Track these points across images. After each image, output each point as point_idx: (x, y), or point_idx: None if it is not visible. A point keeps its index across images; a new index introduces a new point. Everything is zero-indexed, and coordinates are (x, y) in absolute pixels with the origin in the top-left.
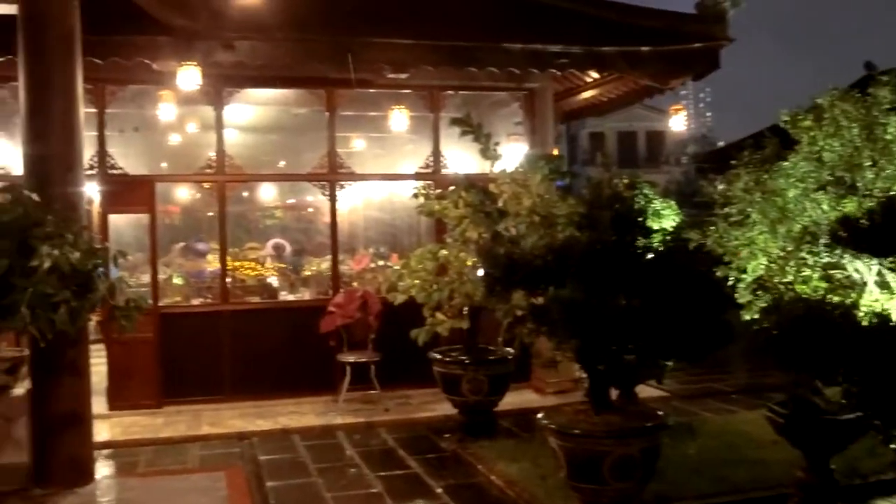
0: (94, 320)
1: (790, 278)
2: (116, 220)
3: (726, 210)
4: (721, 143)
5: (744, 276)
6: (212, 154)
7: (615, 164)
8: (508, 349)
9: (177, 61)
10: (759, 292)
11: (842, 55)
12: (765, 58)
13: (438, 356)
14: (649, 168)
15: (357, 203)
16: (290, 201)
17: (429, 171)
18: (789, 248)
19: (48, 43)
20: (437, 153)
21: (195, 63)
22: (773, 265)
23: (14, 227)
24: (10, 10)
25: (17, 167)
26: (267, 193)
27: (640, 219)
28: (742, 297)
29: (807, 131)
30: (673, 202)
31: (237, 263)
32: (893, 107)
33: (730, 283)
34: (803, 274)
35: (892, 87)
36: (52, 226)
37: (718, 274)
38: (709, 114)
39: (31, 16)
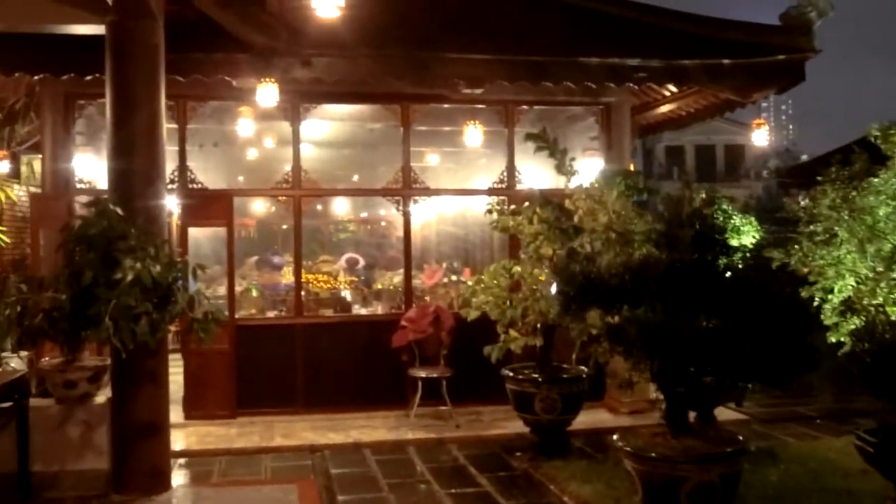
0: (172, 331)
1: (881, 300)
2: (195, 233)
3: (811, 228)
4: (804, 157)
5: (830, 296)
6: (288, 168)
7: (693, 179)
8: (582, 367)
9: (256, 78)
10: (846, 314)
11: None
12: (850, 67)
13: (511, 373)
14: (728, 183)
15: (430, 217)
16: (364, 215)
17: (503, 186)
18: (880, 269)
19: (134, 62)
20: (511, 168)
21: (273, 80)
22: (862, 286)
23: (99, 239)
24: (98, 30)
25: (101, 181)
26: (341, 207)
27: (721, 237)
28: (828, 318)
29: None
30: (753, 218)
31: (311, 276)
32: None
33: (815, 303)
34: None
35: None
36: (135, 239)
37: (803, 294)
38: (791, 126)
39: (118, 36)
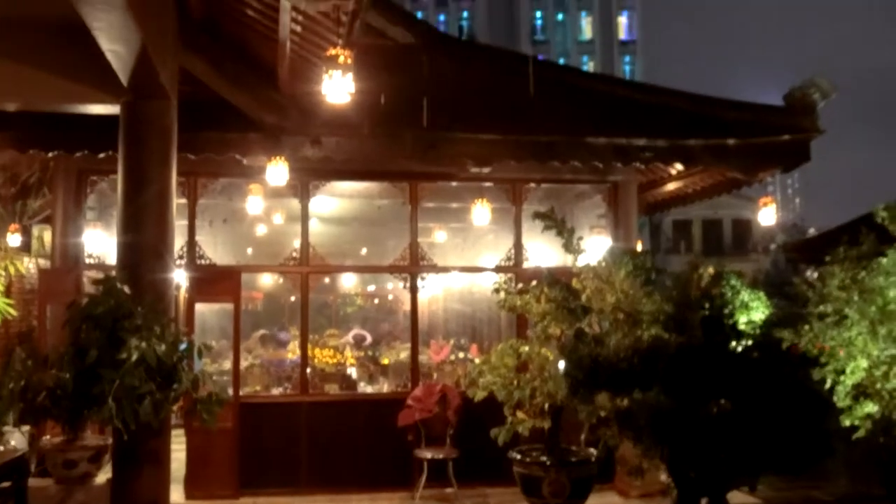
0: (175, 408)
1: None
2: (202, 306)
3: (821, 308)
4: (812, 231)
5: (842, 378)
6: (296, 244)
7: (700, 253)
8: (591, 450)
9: (266, 156)
10: (860, 398)
11: None
12: (854, 142)
13: (518, 456)
14: (736, 257)
15: (437, 293)
16: (371, 288)
17: (510, 263)
18: (893, 352)
19: (147, 140)
20: (518, 246)
21: (283, 158)
22: (875, 370)
23: (106, 318)
24: (112, 109)
25: (111, 256)
26: (348, 281)
27: (731, 321)
28: (841, 401)
29: None
30: (762, 294)
31: (317, 351)
32: None
33: (827, 385)
34: None
35: None
36: (142, 317)
37: (815, 376)
38: (797, 200)
39: (131, 116)
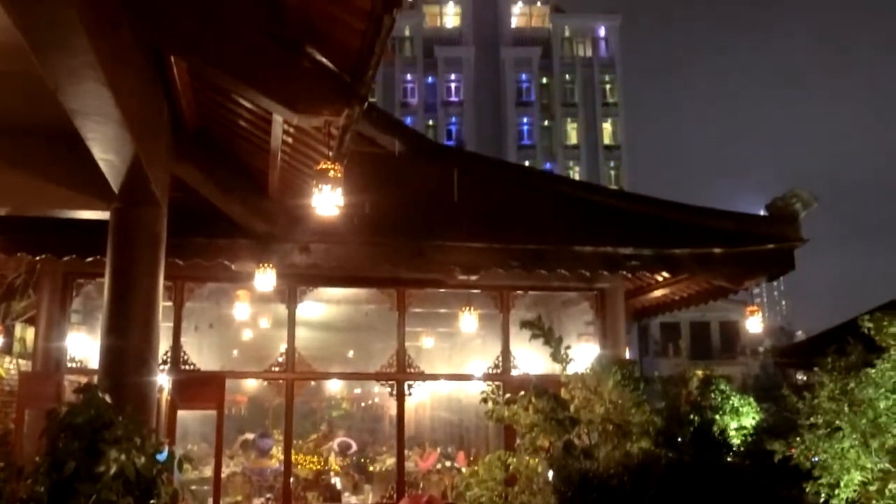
0: None
1: (892, 502)
2: (184, 411)
3: (812, 420)
4: (799, 334)
5: (836, 492)
6: (282, 349)
7: (688, 356)
8: None
9: (254, 263)
10: None
11: None
12: (836, 247)
13: None
14: (725, 360)
15: (424, 398)
16: (357, 391)
17: (498, 371)
18: (886, 466)
19: (135, 246)
20: (506, 353)
21: (272, 265)
22: (869, 486)
23: (85, 428)
24: (102, 215)
25: (93, 360)
26: (334, 384)
27: (721, 437)
28: None
29: (893, 338)
30: (751, 399)
31: (300, 456)
32: None
33: (821, 500)
34: None
35: None
36: (122, 428)
37: (808, 489)
38: (784, 302)
39: (121, 223)
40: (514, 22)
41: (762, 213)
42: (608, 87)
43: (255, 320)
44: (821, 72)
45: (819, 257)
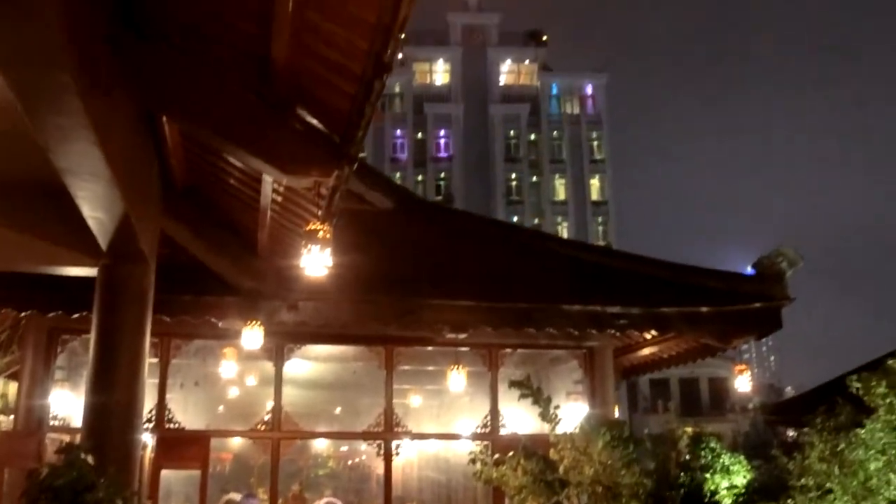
0: None
1: None
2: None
3: (803, 481)
4: (789, 389)
5: None
6: (269, 406)
7: (678, 412)
8: None
9: (242, 320)
10: None
11: None
12: (825, 299)
13: None
14: (714, 417)
15: (412, 457)
16: (343, 449)
17: (486, 430)
18: None
19: (122, 303)
20: (494, 412)
21: (259, 323)
22: None
23: (66, 491)
24: (89, 271)
25: (77, 418)
26: (320, 442)
27: (713, 499)
28: None
29: (882, 398)
30: (742, 457)
31: None
32: None
33: None
34: None
35: None
36: (104, 490)
37: None
38: (772, 357)
39: (108, 279)
40: (503, 80)
41: (749, 269)
42: (595, 143)
43: (241, 378)
44: (810, 124)
45: (807, 312)
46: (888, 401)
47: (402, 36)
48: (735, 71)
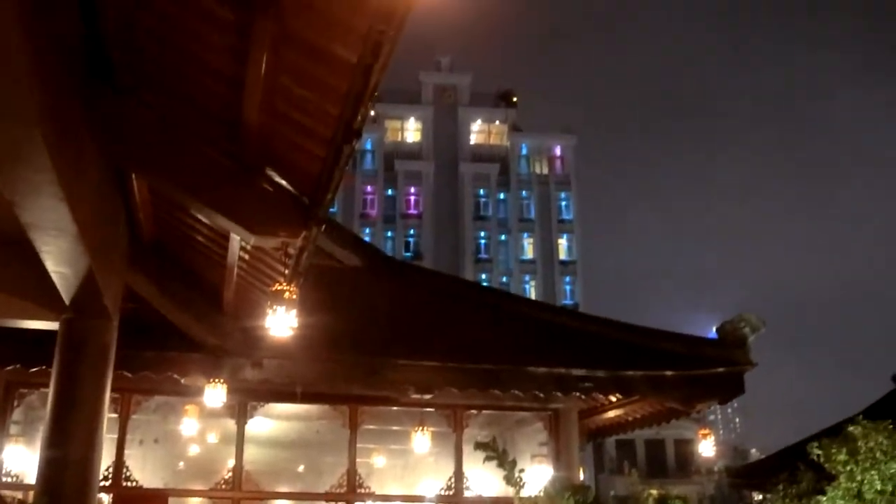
0: None
1: None
2: None
3: None
4: (753, 451)
5: None
6: (230, 464)
7: (644, 474)
8: None
9: (205, 377)
10: None
11: (868, 360)
12: (788, 361)
13: None
14: (680, 478)
15: None
16: None
17: (451, 492)
18: None
19: (84, 358)
20: (459, 474)
21: (222, 380)
22: None
23: None
24: (52, 326)
25: (31, 474)
26: (281, 502)
27: None
28: None
29: (843, 465)
30: None
31: None
32: None
33: None
34: None
35: None
36: None
37: None
38: (737, 419)
39: (71, 334)
40: (474, 139)
41: (714, 329)
42: (563, 203)
43: (202, 435)
44: (779, 183)
45: (770, 375)
46: (848, 468)
47: (374, 100)
48: (706, 135)
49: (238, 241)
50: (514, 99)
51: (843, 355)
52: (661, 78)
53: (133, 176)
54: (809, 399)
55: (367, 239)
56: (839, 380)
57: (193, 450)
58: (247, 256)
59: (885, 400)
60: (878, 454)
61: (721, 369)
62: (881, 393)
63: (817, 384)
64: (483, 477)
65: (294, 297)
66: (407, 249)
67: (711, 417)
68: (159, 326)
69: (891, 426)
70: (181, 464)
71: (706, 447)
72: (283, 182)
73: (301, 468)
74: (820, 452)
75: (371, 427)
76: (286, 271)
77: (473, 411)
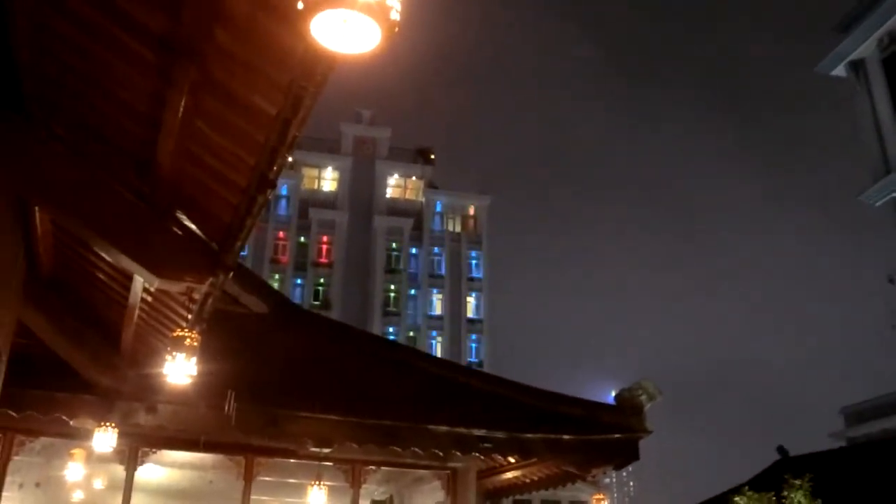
0: None
1: None
2: None
3: None
4: None
5: None
6: None
7: None
8: None
9: (95, 420)
10: None
11: (755, 430)
12: (677, 429)
13: None
14: None
15: None
16: None
17: None
18: None
19: None
20: None
21: (113, 424)
22: None
23: None
24: None
25: None
26: None
27: None
28: None
29: None
30: None
31: None
32: None
33: None
34: None
35: (805, 491)
36: None
37: None
38: (631, 483)
39: None
40: (390, 192)
41: (612, 394)
42: (474, 262)
43: (88, 481)
44: (689, 256)
45: (664, 440)
46: None
47: (291, 149)
48: (624, 193)
49: (141, 283)
50: (432, 156)
51: (733, 424)
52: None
53: (36, 208)
54: (702, 468)
55: (276, 285)
56: (728, 448)
57: (77, 496)
58: (149, 298)
59: (770, 470)
60: None
61: (618, 435)
62: (768, 462)
63: (707, 451)
64: None
65: (195, 343)
66: (316, 298)
67: (607, 480)
68: (51, 365)
69: (773, 498)
70: None
71: None
72: (193, 227)
73: None
74: None
75: (267, 479)
76: (189, 316)
77: (372, 467)
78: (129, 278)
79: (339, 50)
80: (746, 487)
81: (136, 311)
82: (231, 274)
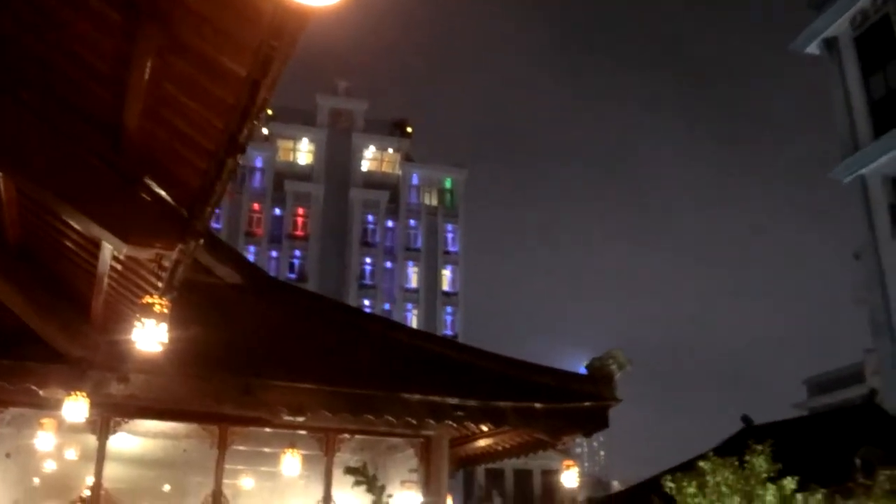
0: None
1: None
2: None
3: None
4: (615, 483)
5: None
6: (89, 481)
7: (511, 503)
8: None
9: (66, 390)
10: None
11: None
12: (645, 400)
13: None
14: None
15: None
16: None
17: None
18: None
19: None
20: (327, 498)
21: (85, 393)
22: None
23: None
24: None
25: None
26: None
27: None
28: None
29: (692, 498)
30: None
31: None
32: (769, 476)
33: None
34: None
35: (766, 456)
36: None
37: None
38: (602, 452)
39: None
40: (366, 165)
41: (583, 365)
42: (450, 235)
43: (60, 451)
44: (661, 232)
45: (635, 410)
46: (697, 500)
47: (264, 115)
48: (604, 177)
49: (110, 250)
50: (409, 129)
51: (702, 397)
52: (564, 122)
53: (0, 175)
54: (669, 436)
55: (251, 258)
56: (696, 418)
57: (49, 466)
58: (119, 266)
59: (735, 437)
60: (723, 488)
61: (588, 403)
62: (734, 431)
63: (677, 421)
64: (352, 502)
65: (165, 310)
66: (291, 271)
67: (578, 450)
68: (19, 334)
69: (737, 462)
70: (35, 480)
71: (569, 478)
72: (163, 192)
73: (166, 488)
74: (672, 486)
75: (240, 448)
76: (159, 284)
77: (346, 435)
78: (98, 246)
79: (309, 4)
80: (711, 453)
81: (106, 280)
82: (201, 241)
